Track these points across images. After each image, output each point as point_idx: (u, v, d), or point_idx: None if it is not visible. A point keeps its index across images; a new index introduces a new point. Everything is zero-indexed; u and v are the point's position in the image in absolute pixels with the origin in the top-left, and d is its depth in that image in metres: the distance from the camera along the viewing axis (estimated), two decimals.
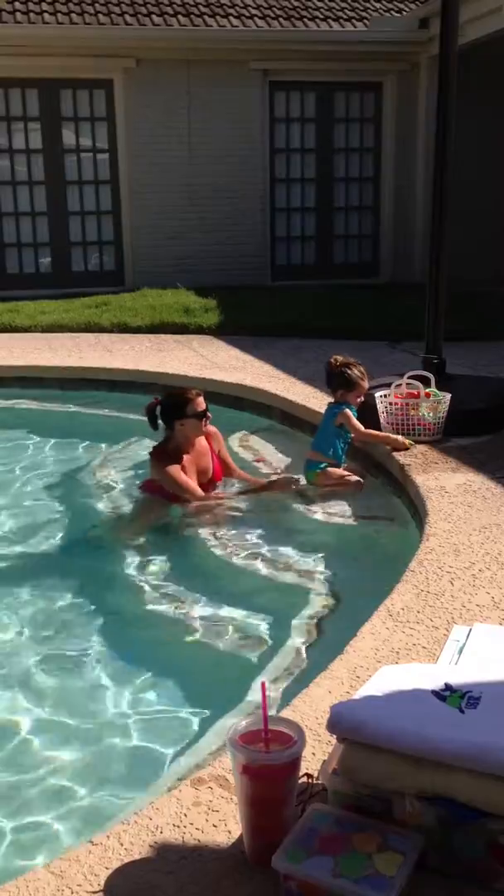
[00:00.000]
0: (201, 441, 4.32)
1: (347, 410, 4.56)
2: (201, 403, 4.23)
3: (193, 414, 4.19)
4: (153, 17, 11.44)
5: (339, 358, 4.66)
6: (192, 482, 4.19)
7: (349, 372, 4.57)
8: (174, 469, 4.16)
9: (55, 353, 7.85)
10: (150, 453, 4.32)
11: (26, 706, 2.77)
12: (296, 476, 4.64)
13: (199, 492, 4.20)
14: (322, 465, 4.52)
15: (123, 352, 7.86)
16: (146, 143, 11.77)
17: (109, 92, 11.72)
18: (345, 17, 12.17)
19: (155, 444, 4.40)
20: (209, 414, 4.28)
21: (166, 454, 4.23)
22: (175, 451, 4.23)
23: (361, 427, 4.57)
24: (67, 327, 9.08)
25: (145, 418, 4.33)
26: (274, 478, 4.69)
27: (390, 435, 4.60)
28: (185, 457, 4.24)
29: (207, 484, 4.34)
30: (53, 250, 12.12)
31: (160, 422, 4.28)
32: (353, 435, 4.61)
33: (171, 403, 4.24)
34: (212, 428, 4.43)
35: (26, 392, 7.05)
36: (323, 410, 4.78)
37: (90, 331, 8.98)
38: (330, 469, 4.52)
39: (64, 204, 12.01)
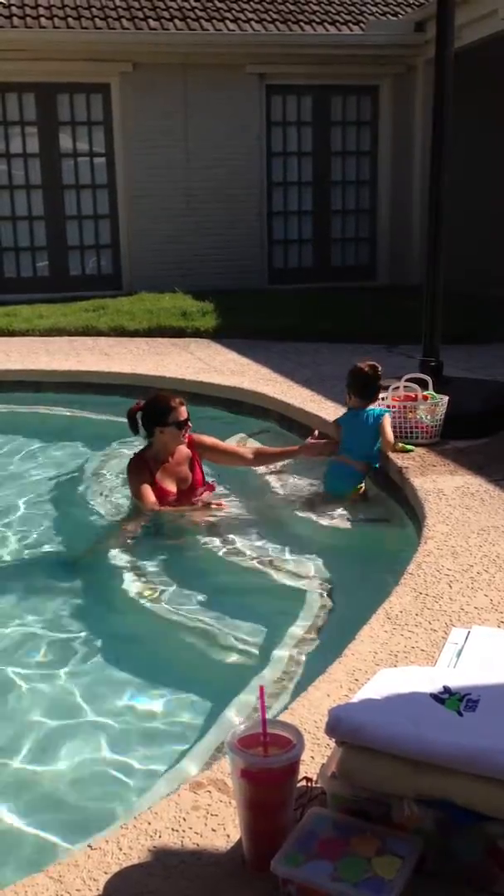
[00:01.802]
0: (181, 449, 4.28)
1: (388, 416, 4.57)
2: (183, 413, 4.18)
3: (174, 422, 4.14)
4: (150, 21, 11.46)
5: (369, 362, 4.58)
6: (148, 495, 4.12)
7: (379, 374, 4.54)
8: (137, 483, 4.16)
9: (53, 356, 7.85)
10: (130, 461, 4.29)
11: (24, 710, 2.77)
12: (320, 441, 4.58)
13: (151, 506, 4.13)
14: (364, 478, 4.47)
15: (121, 355, 7.86)
16: (143, 147, 11.79)
17: (106, 96, 11.74)
18: (341, 20, 12.19)
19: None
20: (190, 424, 4.23)
21: (143, 461, 4.21)
22: (153, 458, 4.21)
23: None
24: (65, 331, 9.09)
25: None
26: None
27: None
28: (164, 465, 4.21)
29: (187, 491, 4.29)
30: (51, 254, 12.13)
31: (141, 427, 4.25)
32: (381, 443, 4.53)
33: (153, 410, 4.19)
34: (197, 436, 4.39)
35: (24, 396, 7.05)
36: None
37: (88, 334, 8.98)
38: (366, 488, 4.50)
39: (61, 208, 12.01)
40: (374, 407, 4.56)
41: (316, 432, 4.74)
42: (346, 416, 4.61)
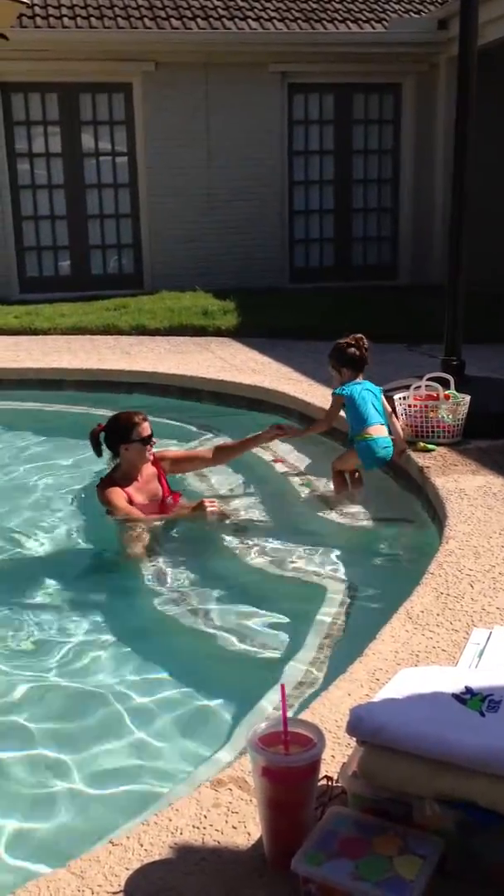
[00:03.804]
0: (147, 467, 4.22)
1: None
2: (147, 429, 4.11)
3: (139, 439, 4.08)
4: (172, 20, 11.48)
5: (353, 335, 4.59)
6: (127, 506, 4.06)
7: (365, 344, 4.57)
8: (108, 494, 4.06)
9: (74, 355, 7.89)
10: (97, 485, 4.20)
11: (46, 708, 2.79)
12: (284, 425, 4.55)
13: (128, 510, 4.08)
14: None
15: (142, 354, 7.89)
16: (165, 146, 11.81)
17: (129, 95, 11.78)
18: (363, 18, 12.16)
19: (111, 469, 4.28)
20: (154, 440, 4.18)
21: (112, 482, 4.14)
22: (122, 478, 4.14)
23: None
24: (86, 330, 9.13)
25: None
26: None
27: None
28: (134, 483, 4.16)
29: (160, 505, 4.24)
30: (73, 253, 12.18)
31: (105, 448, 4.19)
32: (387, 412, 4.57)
33: (116, 428, 4.13)
34: (159, 452, 4.33)
35: (45, 394, 7.09)
36: (342, 412, 4.64)
37: (109, 333, 9.02)
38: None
39: (83, 207, 12.07)
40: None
41: (283, 424, 4.71)
42: (352, 389, 4.44)
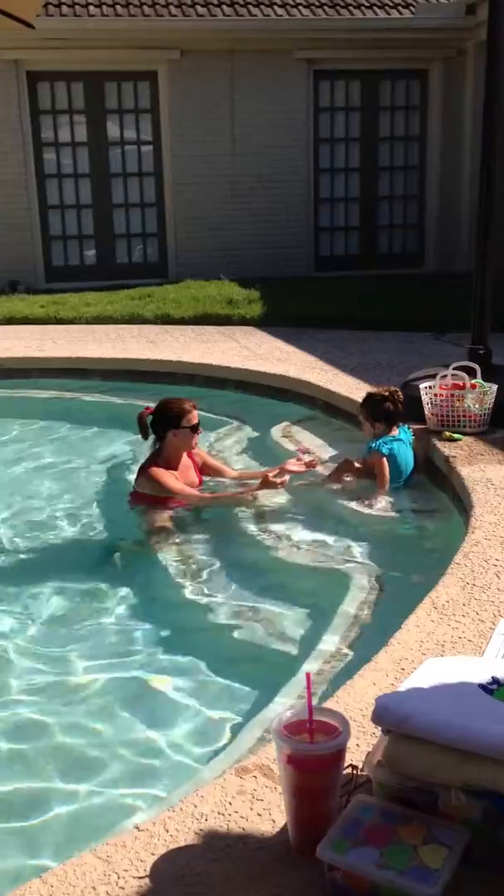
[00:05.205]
0: (186, 456, 4.27)
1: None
2: (196, 417, 4.15)
3: (189, 426, 4.12)
4: (197, 7, 11.43)
5: (388, 388, 4.59)
6: (181, 485, 4.11)
7: (400, 397, 4.55)
8: (164, 477, 4.07)
9: (99, 344, 7.91)
10: (140, 469, 4.21)
11: (66, 693, 2.81)
12: (303, 463, 4.49)
13: (195, 493, 4.13)
14: None
15: (167, 343, 7.89)
16: (190, 134, 11.79)
17: (154, 84, 11.75)
18: (390, 4, 12.03)
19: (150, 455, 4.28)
20: (200, 429, 4.22)
21: (157, 465, 4.15)
22: (164, 464, 4.16)
23: None
24: (111, 319, 9.15)
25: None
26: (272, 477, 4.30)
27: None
28: (176, 470, 4.19)
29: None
30: (98, 243, 12.20)
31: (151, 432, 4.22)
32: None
33: (167, 413, 4.16)
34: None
35: (70, 383, 7.12)
36: None
37: (134, 322, 9.03)
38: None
39: (108, 196, 12.07)
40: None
41: (305, 455, 4.70)
42: (391, 448, 4.42)
